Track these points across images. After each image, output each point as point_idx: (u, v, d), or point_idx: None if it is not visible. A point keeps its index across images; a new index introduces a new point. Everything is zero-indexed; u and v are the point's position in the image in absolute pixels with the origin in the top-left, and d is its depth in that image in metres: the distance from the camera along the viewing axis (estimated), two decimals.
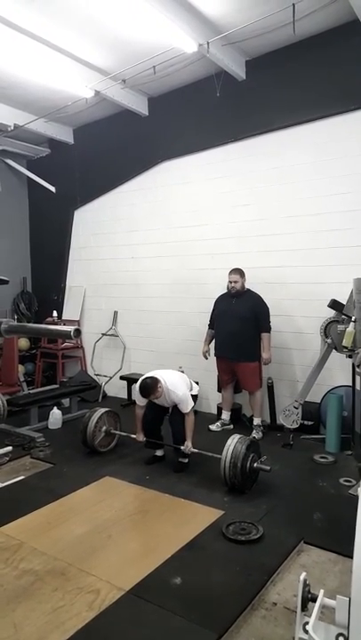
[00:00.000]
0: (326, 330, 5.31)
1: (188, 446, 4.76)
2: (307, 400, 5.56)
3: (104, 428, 5.39)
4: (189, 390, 4.94)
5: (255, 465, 4.33)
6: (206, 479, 4.64)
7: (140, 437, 5.08)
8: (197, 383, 5.29)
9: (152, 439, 5.08)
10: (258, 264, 6.19)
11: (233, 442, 4.37)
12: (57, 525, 3.86)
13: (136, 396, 5.10)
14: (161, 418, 5.08)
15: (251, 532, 3.63)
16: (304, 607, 2.24)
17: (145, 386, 4.77)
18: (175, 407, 4.87)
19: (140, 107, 7.22)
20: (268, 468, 4.34)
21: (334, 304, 5.19)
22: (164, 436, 5.14)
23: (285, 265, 6.10)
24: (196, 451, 4.76)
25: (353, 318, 4.84)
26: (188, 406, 4.78)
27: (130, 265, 7.74)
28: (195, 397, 5.07)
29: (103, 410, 5.44)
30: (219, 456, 4.36)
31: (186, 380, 5.00)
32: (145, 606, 2.87)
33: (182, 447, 4.78)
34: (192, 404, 4.83)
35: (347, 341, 4.77)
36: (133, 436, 5.15)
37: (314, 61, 5.73)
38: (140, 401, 5.01)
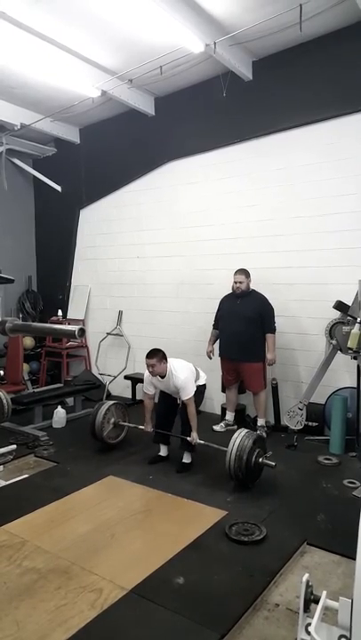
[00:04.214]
0: (331, 331, 5.30)
1: (193, 437, 4.78)
2: (311, 401, 5.56)
3: (112, 420, 5.44)
4: (196, 379, 4.94)
5: (260, 460, 4.34)
6: (210, 479, 4.65)
7: (149, 428, 5.11)
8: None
9: (162, 437, 5.12)
10: (263, 265, 6.18)
11: (240, 435, 4.39)
12: (60, 524, 3.87)
13: (144, 385, 5.13)
14: (173, 412, 5.08)
15: (254, 533, 3.63)
16: (307, 608, 2.23)
17: (155, 349, 4.80)
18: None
19: (147, 106, 7.23)
20: (273, 463, 4.35)
21: (339, 305, 5.18)
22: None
23: (291, 266, 6.09)
24: (202, 442, 4.80)
25: (358, 320, 4.83)
26: (188, 393, 4.78)
27: (135, 264, 7.75)
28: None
29: (111, 402, 5.52)
30: (225, 449, 4.38)
31: (192, 370, 4.97)
32: (147, 606, 2.87)
33: (189, 438, 4.80)
34: (192, 390, 4.82)
35: (352, 343, 4.76)
36: (142, 427, 5.19)
37: (321, 62, 5.73)
38: (148, 390, 5.07)
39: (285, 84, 6.05)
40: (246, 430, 4.51)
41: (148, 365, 4.78)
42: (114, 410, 5.47)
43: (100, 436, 5.33)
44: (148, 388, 5.06)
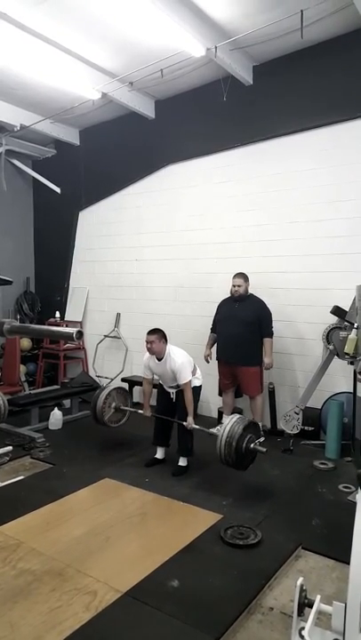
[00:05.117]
0: (328, 336, 5.30)
1: (189, 422, 4.80)
2: (308, 406, 5.55)
3: (113, 404, 5.48)
4: (193, 372, 4.94)
5: (251, 446, 4.30)
6: (206, 483, 4.65)
7: (147, 413, 5.15)
8: None
9: (162, 439, 5.15)
10: (262, 269, 6.20)
11: (231, 421, 4.37)
12: (56, 526, 3.87)
13: (142, 370, 5.17)
14: (171, 414, 5.08)
15: (249, 537, 3.63)
16: (301, 612, 2.24)
17: (157, 328, 4.88)
18: (180, 391, 4.91)
19: (147, 109, 7.25)
20: (265, 449, 4.32)
21: (337, 310, 5.19)
22: (171, 443, 5.18)
23: (289, 270, 6.11)
24: (197, 427, 4.82)
25: (355, 325, 4.83)
26: (185, 377, 4.79)
27: (134, 267, 7.76)
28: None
29: (112, 387, 5.57)
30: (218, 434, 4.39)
31: (190, 360, 4.98)
32: (142, 608, 2.87)
33: (185, 423, 4.80)
34: (190, 375, 4.83)
35: (349, 348, 4.76)
36: (140, 411, 5.24)
37: (321, 68, 5.75)
38: (146, 374, 5.11)
39: (285, 90, 6.07)
40: (238, 416, 4.49)
41: (147, 342, 4.82)
42: (115, 395, 5.53)
43: (102, 420, 5.39)
44: (146, 372, 5.11)
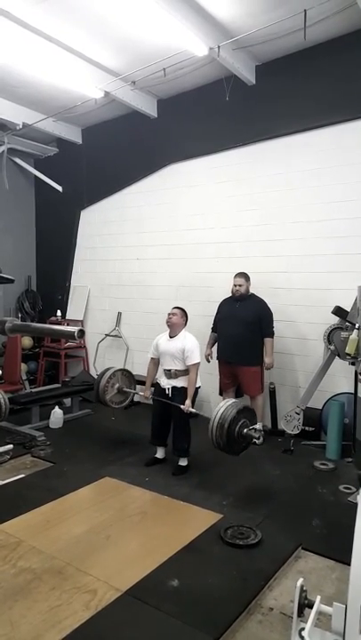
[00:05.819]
0: (330, 336, 5.30)
1: (187, 405, 4.81)
2: (308, 406, 5.55)
3: (117, 385, 5.50)
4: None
5: (245, 431, 4.22)
6: (206, 482, 4.65)
7: (147, 394, 5.20)
8: None
9: (158, 437, 5.15)
10: (263, 269, 6.19)
11: (225, 404, 4.32)
12: (56, 524, 3.87)
13: (150, 350, 5.27)
14: (168, 414, 5.06)
15: (249, 537, 3.63)
16: (300, 613, 2.24)
17: (182, 307, 5.18)
18: (175, 388, 4.96)
19: (149, 108, 7.24)
20: (258, 435, 4.27)
21: (338, 311, 5.19)
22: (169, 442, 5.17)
23: (290, 270, 6.10)
24: (193, 411, 4.85)
25: (357, 325, 4.83)
26: (195, 357, 4.90)
27: (135, 266, 7.76)
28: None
29: (117, 368, 5.60)
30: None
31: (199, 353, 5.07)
32: (141, 608, 2.87)
33: (182, 406, 4.81)
34: (198, 357, 4.94)
35: (350, 349, 4.76)
36: (141, 393, 5.30)
37: (324, 68, 5.75)
38: (153, 354, 5.21)
39: (288, 90, 6.07)
40: (233, 400, 4.46)
41: (170, 314, 5.05)
42: (120, 376, 5.55)
43: (103, 399, 5.41)
44: (153, 352, 5.21)
